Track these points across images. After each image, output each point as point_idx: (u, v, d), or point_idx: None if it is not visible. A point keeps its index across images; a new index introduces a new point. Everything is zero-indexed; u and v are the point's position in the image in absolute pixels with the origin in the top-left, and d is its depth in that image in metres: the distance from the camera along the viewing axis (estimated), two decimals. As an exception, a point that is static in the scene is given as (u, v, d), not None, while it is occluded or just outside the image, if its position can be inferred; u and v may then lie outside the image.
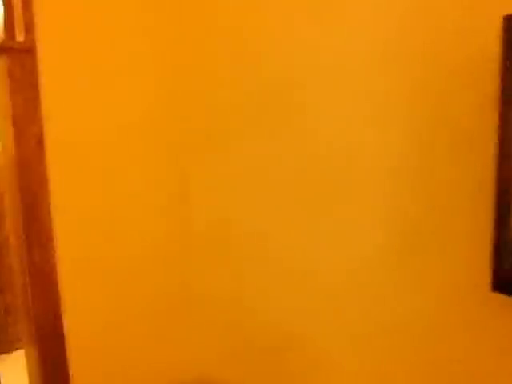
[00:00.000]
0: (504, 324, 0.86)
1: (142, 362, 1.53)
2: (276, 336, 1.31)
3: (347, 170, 1.09)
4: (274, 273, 1.30)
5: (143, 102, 1.46)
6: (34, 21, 1.28)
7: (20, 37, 1.29)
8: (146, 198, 1.49)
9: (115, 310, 1.47)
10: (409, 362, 1.03)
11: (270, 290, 1.31)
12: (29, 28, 1.29)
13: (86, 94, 1.36)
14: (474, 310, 0.90)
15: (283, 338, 1.29)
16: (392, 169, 1.00)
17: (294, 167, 1.21)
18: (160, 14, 1.46)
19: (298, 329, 1.25)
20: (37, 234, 1.37)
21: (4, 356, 3.02)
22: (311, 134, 1.16)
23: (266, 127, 1.26)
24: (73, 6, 1.32)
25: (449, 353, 0.95)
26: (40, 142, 1.32)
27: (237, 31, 1.30)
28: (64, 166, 1.35)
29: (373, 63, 1.01)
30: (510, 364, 0.86)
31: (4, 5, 1.29)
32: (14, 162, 1.34)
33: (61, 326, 1.41)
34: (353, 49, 1.04)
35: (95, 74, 1.37)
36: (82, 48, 1.35)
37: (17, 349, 3.07)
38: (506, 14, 0.77)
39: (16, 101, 1.30)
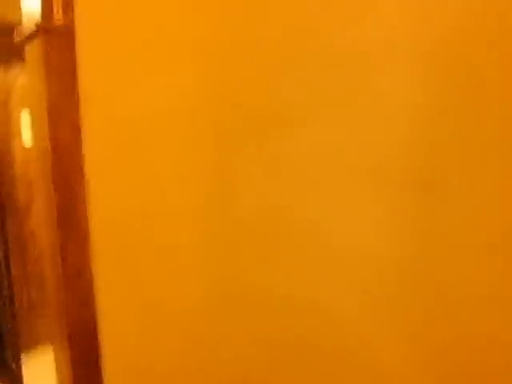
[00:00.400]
0: None
1: (180, 363, 1.45)
2: (330, 337, 1.22)
3: (406, 161, 0.99)
4: (329, 267, 1.20)
5: (186, 86, 1.38)
6: (73, 0, 1.21)
7: (58, 17, 1.22)
8: (189, 189, 1.40)
9: (152, 308, 1.39)
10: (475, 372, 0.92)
11: (324, 286, 1.22)
12: (67, 8, 1.22)
13: (126, 78, 1.28)
14: None
15: (338, 340, 1.19)
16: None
17: (348, 155, 1.11)
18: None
19: (355, 330, 1.16)
20: (71, 229, 1.30)
21: (27, 351, 2.98)
22: (369, 120, 1.06)
23: (323, 112, 1.16)
24: (113, -15, 1.25)
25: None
26: (76, 130, 1.25)
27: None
28: (101, 155, 1.27)
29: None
30: None
31: (41, -17, 1.22)
32: (49, 151, 1.27)
33: (95, 325, 1.34)
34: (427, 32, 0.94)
35: (136, 58, 1.29)
36: (123, 30, 1.27)
37: (39, 344, 3.05)
38: None
39: (52, 85, 1.22)
